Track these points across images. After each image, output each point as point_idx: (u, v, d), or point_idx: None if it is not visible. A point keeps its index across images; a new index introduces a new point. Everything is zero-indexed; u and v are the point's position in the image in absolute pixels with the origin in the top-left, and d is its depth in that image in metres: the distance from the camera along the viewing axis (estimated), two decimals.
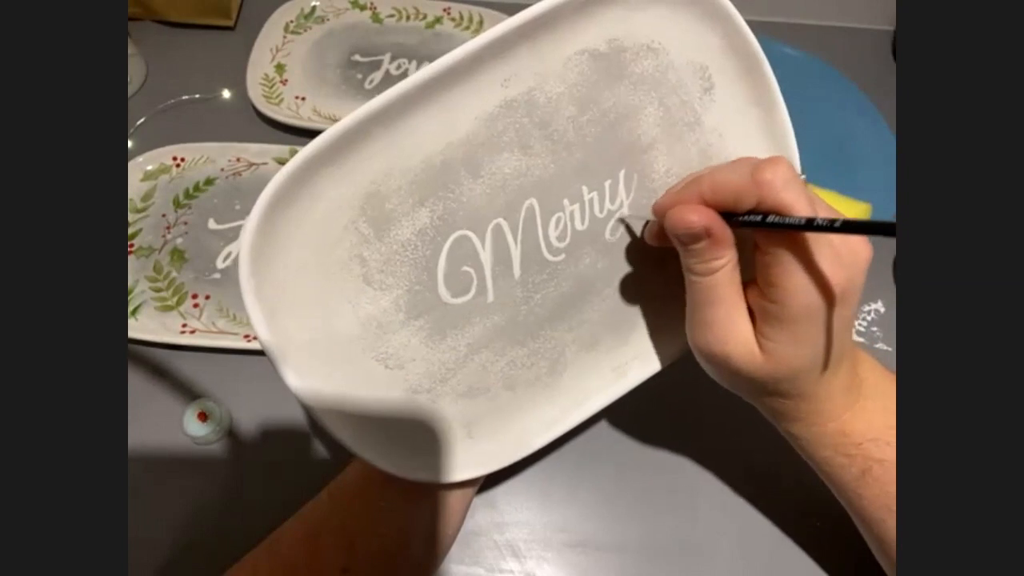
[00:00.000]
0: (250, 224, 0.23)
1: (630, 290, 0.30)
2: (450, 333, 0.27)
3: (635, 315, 0.31)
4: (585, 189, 0.28)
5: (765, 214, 0.23)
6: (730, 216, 0.24)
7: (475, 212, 0.27)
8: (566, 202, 0.28)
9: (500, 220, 0.27)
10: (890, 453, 0.28)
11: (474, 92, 0.25)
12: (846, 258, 0.23)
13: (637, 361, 0.31)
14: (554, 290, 0.29)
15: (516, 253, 0.28)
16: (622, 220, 0.29)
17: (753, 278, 0.25)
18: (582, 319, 0.29)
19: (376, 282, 0.26)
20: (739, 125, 0.29)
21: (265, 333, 0.24)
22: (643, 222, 0.29)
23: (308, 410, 0.25)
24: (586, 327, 0.30)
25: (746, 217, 0.23)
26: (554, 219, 0.28)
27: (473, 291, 0.27)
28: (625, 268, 0.30)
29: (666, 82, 0.28)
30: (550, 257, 0.28)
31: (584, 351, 0.30)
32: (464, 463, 0.28)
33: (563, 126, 0.27)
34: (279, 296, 0.24)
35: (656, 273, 0.30)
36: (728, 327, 0.25)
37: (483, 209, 0.27)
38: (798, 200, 0.22)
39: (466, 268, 0.27)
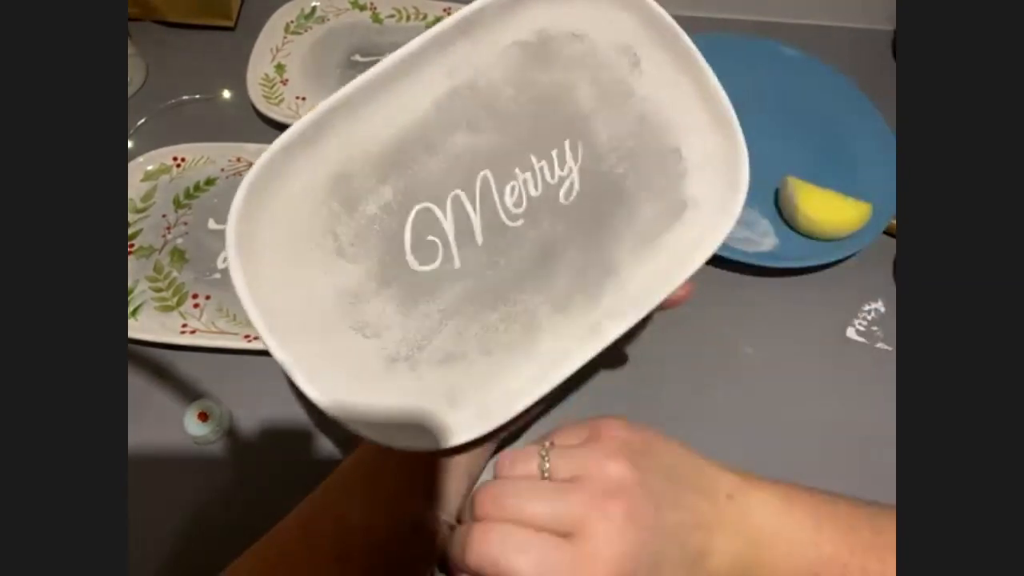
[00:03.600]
0: (234, 211, 0.26)
1: (594, 250, 0.31)
2: (422, 300, 0.29)
3: (603, 275, 0.32)
4: (534, 158, 0.30)
5: None
6: None
7: (433, 186, 0.29)
8: (517, 171, 0.30)
9: (458, 191, 0.29)
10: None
11: (423, 83, 0.28)
12: None
13: (610, 319, 0.31)
14: (517, 253, 0.30)
15: (477, 221, 0.30)
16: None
17: None
18: (550, 282, 0.31)
19: (348, 255, 0.28)
20: (671, 90, 0.32)
21: (251, 307, 0.26)
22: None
23: (289, 376, 0.26)
24: (555, 289, 0.31)
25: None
26: (508, 187, 0.30)
27: (440, 259, 0.29)
28: (585, 230, 0.31)
29: (595, 62, 0.31)
30: (509, 223, 0.30)
31: (557, 313, 0.31)
32: (449, 429, 0.29)
33: (505, 105, 0.30)
34: (262, 274, 0.27)
35: (616, 232, 0.32)
36: None
37: (440, 183, 0.29)
38: None
39: (431, 238, 0.29)
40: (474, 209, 0.30)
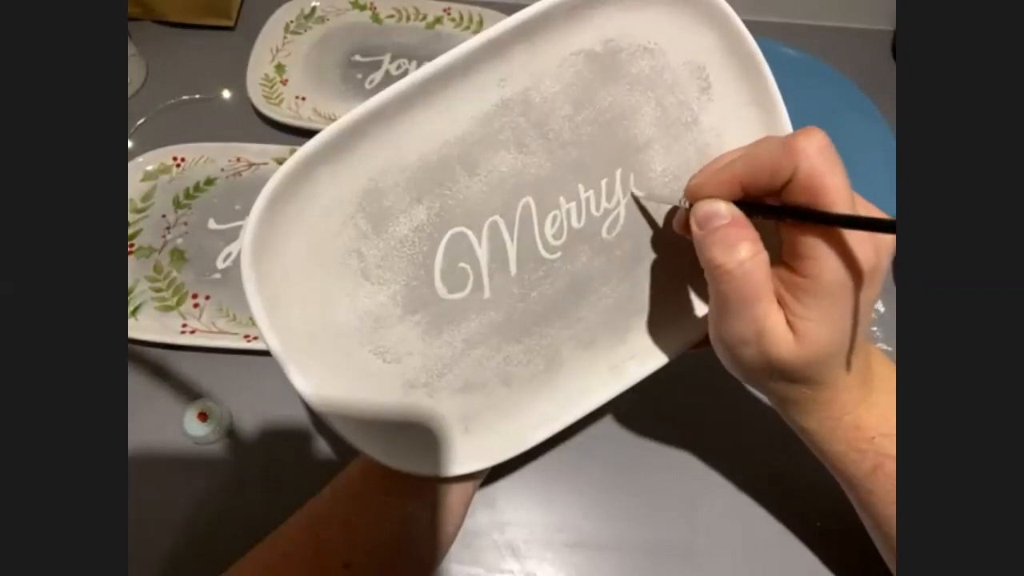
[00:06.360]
0: (252, 219, 0.24)
1: (627, 289, 0.30)
2: (446, 329, 0.28)
3: (632, 314, 0.31)
4: (581, 188, 0.28)
5: (783, 206, 0.23)
6: (749, 208, 0.24)
7: (471, 209, 0.27)
8: (562, 200, 0.28)
9: (496, 217, 0.27)
10: None
11: (470, 91, 0.25)
12: (875, 235, 0.23)
13: (634, 361, 0.31)
14: (550, 288, 0.29)
15: (512, 250, 0.28)
16: (636, 200, 0.29)
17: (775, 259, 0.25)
18: (579, 317, 0.30)
19: (374, 277, 0.26)
20: (738, 125, 0.29)
21: (266, 324, 0.24)
22: (667, 207, 0.29)
23: (305, 401, 0.25)
24: (583, 325, 0.30)
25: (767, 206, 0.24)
26: (550, 217, 0.28)
27: (469, 287, 0.28)
28: (622, 267, 0.30)
29: (663, 82, 0.28)
30: (546, 255, 0.28)
31: (581, 349, 0.30)
32: (461, 457, 0.29)
33: (559, 125, 0.27)
34: (279, 289, 0.25)
35: (653, 272, 0.30)
36: (765, 318, 0.24)
37: (479, 206, 0.27)
38: (833, 169, 0.22)
39: (463, 264, 0.27)
40: (511, 238, 0.28)
